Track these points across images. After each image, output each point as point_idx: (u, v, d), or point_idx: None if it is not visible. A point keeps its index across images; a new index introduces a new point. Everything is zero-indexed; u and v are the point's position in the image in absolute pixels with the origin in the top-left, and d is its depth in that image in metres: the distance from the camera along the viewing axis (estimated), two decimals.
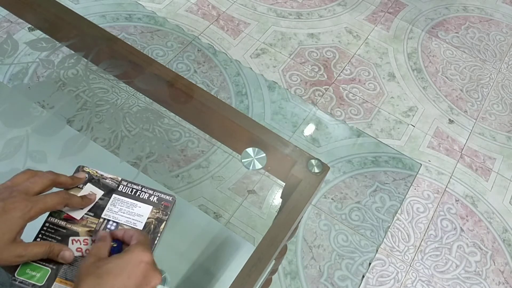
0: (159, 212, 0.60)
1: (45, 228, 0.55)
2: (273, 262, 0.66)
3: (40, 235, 0.55)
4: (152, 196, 0.61)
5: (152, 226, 0.59)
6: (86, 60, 0.77)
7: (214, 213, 1.26)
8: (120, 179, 0.62)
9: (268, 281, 0.81)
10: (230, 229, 0.75)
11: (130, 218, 0.59)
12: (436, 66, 1.92)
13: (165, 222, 0.60)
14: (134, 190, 0.61)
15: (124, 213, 0.59)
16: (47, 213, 0.56)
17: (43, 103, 0.80)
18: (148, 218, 0.59)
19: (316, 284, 1.21)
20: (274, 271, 0.80)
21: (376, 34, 1.99)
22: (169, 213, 0.61)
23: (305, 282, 1.20)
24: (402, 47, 1.97)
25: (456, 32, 2.07)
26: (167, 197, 0.62)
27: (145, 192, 0.61)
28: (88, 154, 0.71)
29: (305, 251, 1.25)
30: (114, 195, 0.60)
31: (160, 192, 0.62)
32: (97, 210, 0.59)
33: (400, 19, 2.08)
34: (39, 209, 0.51)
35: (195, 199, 1.25)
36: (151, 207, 0.60)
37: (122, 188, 0.61)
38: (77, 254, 0.55)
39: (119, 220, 0.58)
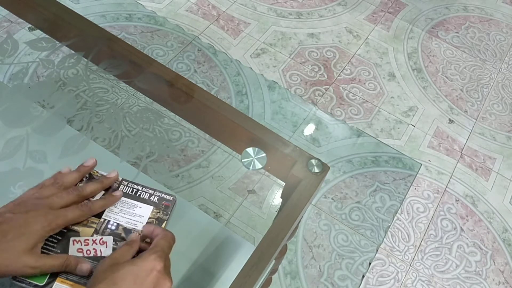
0: (159, 212, 0.60)
1: None
2: (273, 262, 0.66)
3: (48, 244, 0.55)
4: (153, 196, 0.61)
5: None
6: (86, 60, 0.77)
7: (214, 213, 1.26)
8: (120, 179, 0.62)
9: (268, 281, 0.81)
10: (230, 229, 0.75)
11: (130, 219, 0.59)
12: (436, 66, 1.92)
13: (165, 222, 0.60)
14: (135, 190, 0.61)
15: (125, 214, 0.59)
16: None
17: (43, 103, 0.80)
18: (148, 218, 0.59)
19: (316, 284, 1.21)
20: (274, 271, 0.80)
21: (376, 34, 1.99)
22: (169, 213, 0.61)
23: (305, 282, 1.20)
24: (402, 47, 1.97)
25: (456, 32, 2.07)
26: (168, 197, 0.62)
27: (146, 192, 0.61)
28: (88, 154, 0.70)
29: (305, 251, 1.25)
30: None
31: (161, 192, 0.62)
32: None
33: (400, 19, 2.07)
34: (61, 222, 0.52)
35: (195, 199, 1.25)
36: (151, 207, 0.60)
37: (123, 188, 0.61)
38: (78, 254, 0.55)
39: (119, 221, 0.58)
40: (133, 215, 0.59)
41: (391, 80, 1.84)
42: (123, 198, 0.60)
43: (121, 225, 0.58)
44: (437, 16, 2.12)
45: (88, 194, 0.57)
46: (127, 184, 0.61)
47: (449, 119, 1.77)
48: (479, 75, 1.93)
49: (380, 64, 1.89)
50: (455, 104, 1.82)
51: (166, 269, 0.51)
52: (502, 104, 1.85)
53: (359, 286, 1.29)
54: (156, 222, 0.59)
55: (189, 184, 1.29)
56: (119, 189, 0.61)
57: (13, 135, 0.72)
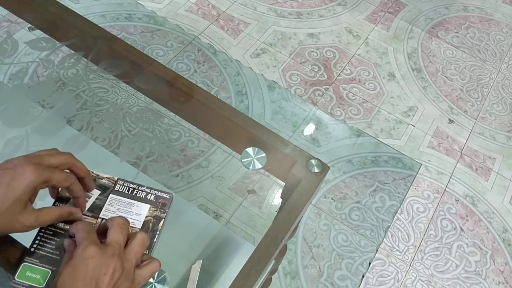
0: (157, 210, 0.60)
1: (43, 230, 0.55)
2: (273, 262, 0.66)
3: (38, 238, 0.55)
4: (149, 195, 0.61)
5: (150, 224, 0.59)
6: (86, 59, 0.77)
7: (214, 213, 1.26)
8: (116, 178, 0.61)
9: (268, 281, 0.81)
10: (230, 229, 0.75)
11: (128, 218, 0.59)
12: (436, 66, 1.92)
13: (163, 220, 0.60)
14: (131, 189, 0.61)
15: (122, 212, 0.59)
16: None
17: (43, 102, 0.80)
18: (146, 217, 0.59)
19: (316, 284, 1.21)
20: (274, 271, 0.80)
21: (376, 34, 1.99)
22: (167, 210, 0.61)
23: (305, 282, 1.20)
24: (402, 47, 1.97)
25: (456, 32, 2.07)
26: (164, 194, 0.62)
27: (142, 191, 0.61)
28: (88, 154, 0.71)
29: (305, 251, 1.25)
30: (111, 195, 0.60)
31: (157, 190, 0.62)
32: (95, 210, 0.59)
33: (400, 19, 2.07)
34: (46, 177, 0.51)
35: (195, 199, 1.25)
36: (148, 205, 0.60)
37: (119, 188, 0.61)
38: None
39: None
40: (130, 213, 0.59)
41: (391, 80, 1.84)
42: (119, 197, 0.60)
43: None
44: (437, 16, 2.12)
45: (79, 166, 0.56)
46: (123, 183, 0.61)
47: (449, 119, 1.77)
48: (479, 75, 1.93)
49: (380, 64, 1.89)
50: (455, 104, 1.82)
51: (104, 252, 0.48)
52: (502, 104, 1.85)
53: (359, 286, 1.29)
54: (154, 220, 0.59)
55: (189, 184, 1.29)
56: (115, 188, 0.61)
57: (13, 135, 0.72)
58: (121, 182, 0.61)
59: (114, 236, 0.50)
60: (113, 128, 0.82)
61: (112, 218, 0.53)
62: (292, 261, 1.23)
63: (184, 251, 0.71)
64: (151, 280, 0.62)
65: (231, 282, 0.54)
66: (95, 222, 0.58)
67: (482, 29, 2.10)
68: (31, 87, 0.83)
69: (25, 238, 0.53)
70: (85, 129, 0.76)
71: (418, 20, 2.09)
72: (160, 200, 0.61)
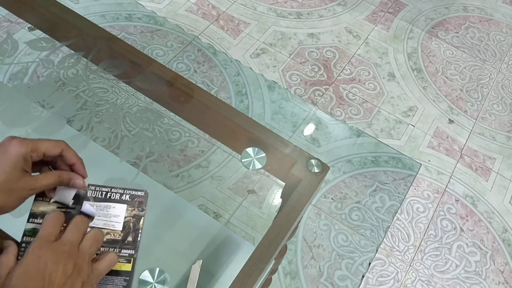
0: (134, 209, 0.59)
1: (23, 246, 0.53)
2: (273, 262, 0.66)
3: (25, 239, 0.53)
4: (124, 195, 0.59)
5: (131, 224, 0.58)
6: (86, 59, 0.77)
7: (214, 213, 1.26)
8: (87, 184, 0.59)
9: (268, 281, 0.81)
10: (230, 229, 0.75)
11: (107, 221, 0.57)
12: (436, 66, 1.92)
13: (143, 218, 0.59)
14: (104, 192, 0.59)
15: (100, 216, 0.57)
16: (22, 233, 0.54)
17: (43, 102, 0.80)
18: (125, 218, 0.58)
19: (316, 284, 1.21)
20: (274, 271, 0.80)
21: (376, 34, 1.99)
22: (145, 208, 0.59)
23: (305, 282, 1.20)
24: (402, 47, 1.97)
25: (456, 32, 2.07)
26: (139, 193, 0.60)
27: (116, 192, 0.59)
28: (87, 154, 0.70)
29: (305, 251, 1.25)
30: (85, 202, 0.58)
31: (131, 189, 0.60)
32: (70, 219, 0.57)
33: (400, 19, 2.08)
34: (33, 145, 0.52)
35: (195, 199, 1.25)
36: (125, 205, 0.59)
37: (92, 193, 0.59)
38: None
39: (96, 224, 0.57)
40: (108, 216, 0.58)
41: (391, 80, 1.84)
42: (95, 202, 0.59)
43: (99, 229, 0.57)
44: (437, 16, 2.12)
45: (67, 148, 0.57)
46: (95, 188, 0.59)
47: (449, 119, 1.77)
48: (479, 75, 1.93)
49: (380, 64, 1.89)
50: (455, 104, 1.82)
51: (55, 250, 0.49)
52: (502, 104, 1.85)
53: (359, 286, 1.29)
54: (134, 220, 0.58)
55: (189, 184, 1.29)
56: (87, 194, 0.58)
57: (13, 134, 0.72)
58: (93, 188, 0.59)
59: (68, 234, 0.51)
60: (113, 128, 0.82)
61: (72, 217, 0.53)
62: (292, 261, 1.23)
63: (184, 251, 0.72)
64: (151, 280, 0.62)
65: (231, 282, 0.54)
66: None
67: (482, 29, 2.10)
68: (31, 87, 0.83)
69: (20, 234, 0.53)
70: (85, 129, 0.76)
71: (418, 20, 2.09)
72: (136, 199, 0.60)
